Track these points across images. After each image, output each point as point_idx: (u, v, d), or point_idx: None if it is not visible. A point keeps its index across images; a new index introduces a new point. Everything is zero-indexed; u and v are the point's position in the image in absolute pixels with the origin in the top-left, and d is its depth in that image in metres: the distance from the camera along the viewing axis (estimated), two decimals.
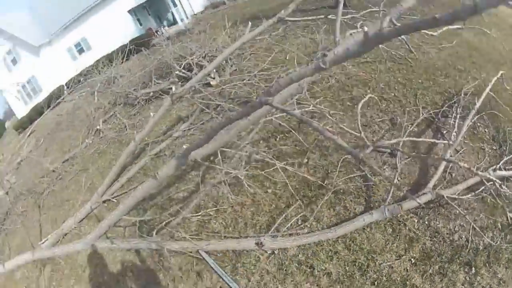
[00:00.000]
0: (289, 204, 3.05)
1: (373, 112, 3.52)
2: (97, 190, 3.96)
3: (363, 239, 2.73)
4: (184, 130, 4.30)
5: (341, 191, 3.00)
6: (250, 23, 3.96)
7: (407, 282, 2.44)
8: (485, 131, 3.22)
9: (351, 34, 2.75)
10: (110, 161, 4.89)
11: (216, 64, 3.72)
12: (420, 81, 3.73)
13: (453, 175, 2.99)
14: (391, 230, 2.76)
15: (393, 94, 3.79)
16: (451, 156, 2.90)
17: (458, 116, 3.17)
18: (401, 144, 3.06)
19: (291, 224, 2.88)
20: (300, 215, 2.92)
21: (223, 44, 5.21)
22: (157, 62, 5.78)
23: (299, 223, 2.90)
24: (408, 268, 2.53)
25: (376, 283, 2.47)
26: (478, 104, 2.99)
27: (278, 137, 3.66)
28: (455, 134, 3.03)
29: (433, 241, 2.66)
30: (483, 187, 2.77)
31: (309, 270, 2.63)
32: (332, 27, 5.12)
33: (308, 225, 2.88)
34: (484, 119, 3.26)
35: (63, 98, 8.94)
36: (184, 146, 2.52)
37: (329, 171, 3.15)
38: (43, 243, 3.91)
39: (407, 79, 3.89)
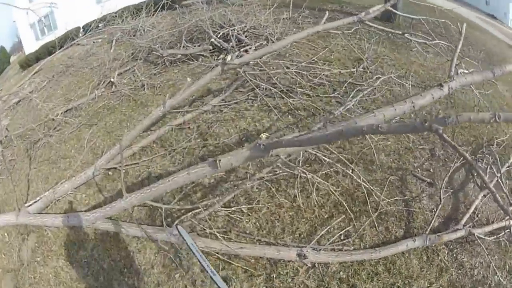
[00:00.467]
0: (331, 215, 3.29)
1: (415, 137, 4.01)
2: (105, 155, 3.95)
3: (402, 263, 3.17)
4: (214, 106, 4.36)
5: (385, 211, 3.36)
6: (327, 12, 4.12)
7: None
8: (507, 182, 4.03)
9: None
10: (120, 121, 4.87)
11: (281, 45, 3.81)
12: None
13: (479, 215, 3.65)
14: (425, 257, 3.28)
15: None
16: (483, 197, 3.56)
17: (490, 162, 3.91)
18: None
19: (334, 238, 3.10)
20: (344, 230, 3.17)
21: (266, 23, 5.52)
22: (190, 24, 5.95)
23: (342, 238, 3.15)
24: None
25: None
26: None
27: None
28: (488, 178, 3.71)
29: (458, 273, 3.26)
30: (503, 232, 3.48)
31: None
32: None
33: (351, 242, 3.15)
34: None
35: (77, 41, 8.75)
36: (264, 137, 2.60)
37: (372, 189, 3.47)
38: (30, 205, 3.79)
39: (445, 113, 4.54)
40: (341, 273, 3.00)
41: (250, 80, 4.18)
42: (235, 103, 4.45)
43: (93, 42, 8.32)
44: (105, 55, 6.75)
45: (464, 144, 4.19)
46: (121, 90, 5.40)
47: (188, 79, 4.14)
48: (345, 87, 4.68)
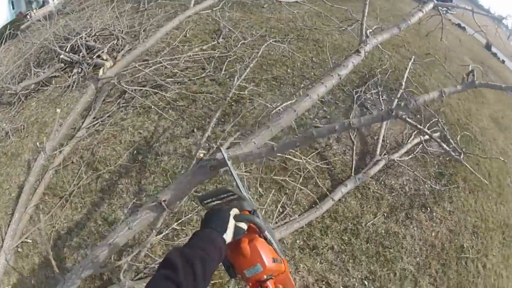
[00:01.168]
0: (260, 193, 3.74)
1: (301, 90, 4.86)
2: (7, 235, 3.86)
3: (344, 209, 3.95)
4: (88, 128, 4.48)
5: (306, 170, 4.05)
6: None
7: (389, 231, 3.97)
8: (400, 103, 5.32)
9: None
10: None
11: (155, 41, 4.07)
12: (333, 60, 5.49)
13: (388, 141, 4.75)
14: (360, 195, 4.16)
15: (312, 73, 5.38)
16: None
17: (380, 92, 5.09)
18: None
19: (275, 215, 3.60)
20: (280, 203, 3.69)
21: (115, 20, 5.98)
22: (36, 47, 6.22)
23: (281, 211, 3.67)
24: (384, 221, 3.99)
25: (369, 240, 3.85)
26: (404, 84, 4.98)
27: None
28: (384, 108, 4.85)
29: (393, 196, 4.30)
30: (418, 148, 4.70)
31: (313, 251, 3.55)
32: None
33: (291, 210, 3.70)
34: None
35: None
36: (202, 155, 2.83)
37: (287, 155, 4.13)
38: None
39: (320, 59, 5.63)
40: (297, 241, 3.59)
41: (123, 87, 4.39)
42: (108, 117, 4.58)
43: None
44: None
45: (348, 82, 5.31)
46: None
47: (58, 110, 4.30)
48: (213, 62, 5.30)
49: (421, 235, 4.09)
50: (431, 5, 4.49)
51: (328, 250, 3.63)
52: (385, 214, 4.11)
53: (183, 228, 3.60)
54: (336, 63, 4.28)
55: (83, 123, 4.71)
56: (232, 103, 4.70)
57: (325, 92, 3.12)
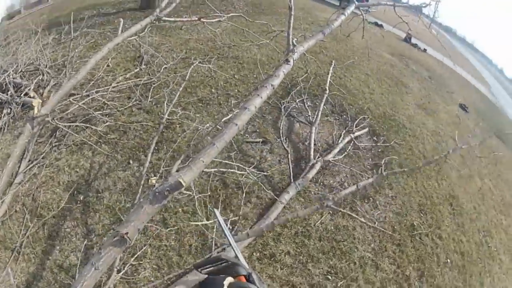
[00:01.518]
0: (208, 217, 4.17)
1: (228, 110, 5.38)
2: None
3: (291, 216, 4.43)
4: (25, 172, 4.54)
5: (247, 185, 4.51)
6: (122, 20, 4.80)
7: (339, 226, 4.50)
8: (325, 107, 6.08)
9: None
10: None
11: (86, 71, 4.32)
12: (254, 75, 6.15)
13: (319, 144, 5.46)
14: (303, 199, 4.68)
15: (236, 90, 5.96)
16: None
17: (305, 100, 5.83)
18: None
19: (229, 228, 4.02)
20: (229, 221, 4.11)
21: (39, 53, 6.05)
22: None
23: (231, 228, 4.09)
24: (331, 218, 4.57)
25: (321, 238, 4.31)
26: (327, 88, 5.72)
27: None
28: (310, 115, 5.59)
29: (333, 195, 4.80)
30: (350, 146, 5.41)
31: (271, 259, 3.95)
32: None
33: (241, 226, 4.16)
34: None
35: None
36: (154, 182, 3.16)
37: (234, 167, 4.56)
38: None
39: (242, 75, 6.24)
40: (254, 253, 3.96)
41: (56, 124, 4.58)
42: (42, 158, 4.66)
43: None
44: None
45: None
46: None
47: None
48: (138, 90, 5.59)
49: (370, 223, 4.60)
50: (352, 7, 5.08)
51: (285, 256, 3.98)
52: (331, 212, 4.57)
53: (140, 262, 3.72)
54: (268, 75, 4.76)
55: (19, 167, 4.65)
56: (163, 130, 4.90)
57: (261, 103, 3.42)
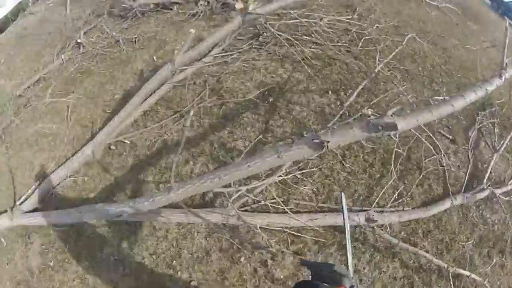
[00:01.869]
0: (382, 174, 4.16)
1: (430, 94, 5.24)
2: (105, 127, 4.47)
3: (446, 220, 4.31)
4: (216, 57, 4.93)
5: (424, 168, 4.44)
6: None
7: (472, 261, 4.27)
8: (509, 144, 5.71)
9: None
10: (102, 84, 5.40)
11: None
12: (459, 75, 5.86)
13: (493, 174, 5.15)
14: (461, 214, 4.50)
15: (440, 80, 5.78)
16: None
17: (496, 124, 5.51)
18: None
19: (392, 199, 4.01)
20: (398, 190, 4.09)
21: None
22: None
23: (396, 198, 4.07)
24: (472, 249, 4.36)
25: (455, 260, 4.18)
26: None
27: None
28: (496, 141, 5.29)
29: (484, 229, 4.62)
30: None
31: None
32: None
33: (404, 201, 4.11)
34: None
35: (29, 11, 9.34)
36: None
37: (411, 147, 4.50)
38: (22, 202, 4.15)
39: (447, 68, 6.04)
40: (402, 233, 3.93)
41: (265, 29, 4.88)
42: (238, 53, 4.93)
43: (44, 9, 8.96)
44: (63, 17, 7.49)
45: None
46: (92, 50, 6.07)
47: (192, 30, 4.60)
48: (348, 35, 5.62)
49: (491, 277, 4.33)
50: None
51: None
52: (474, 243, 4.38)
53: (304, 178, 3.91)
54: (484, 79, 4.55)
55: (210, 50, 5.13)
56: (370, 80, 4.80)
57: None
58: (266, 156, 2.77)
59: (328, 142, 2.53)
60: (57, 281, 3.77)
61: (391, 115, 3.17)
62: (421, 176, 4.35)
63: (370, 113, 3.16)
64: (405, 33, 5.90)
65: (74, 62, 6.01)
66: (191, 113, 2.77)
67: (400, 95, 4.79)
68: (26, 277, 3.91)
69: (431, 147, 4.43)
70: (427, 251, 3.95)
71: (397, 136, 4.06)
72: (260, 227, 3.50)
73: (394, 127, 2.58)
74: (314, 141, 2.57)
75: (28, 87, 5.90)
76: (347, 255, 1.96)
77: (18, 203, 4.17)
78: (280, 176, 3.62)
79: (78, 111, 5.07)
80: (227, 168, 2.91)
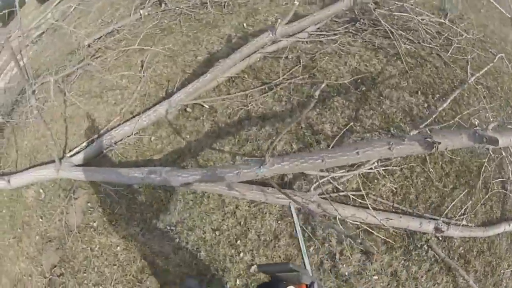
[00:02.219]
0: (454, 186, 4.24)
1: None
2: (186, 87, 4.37)
3: (497, 244, 4.42)
4: (311, 34, 4.90)
5: (491, 189, 4.50)
6: None
7: None
8: None
9: None
10: (184, 44, 5.31)
11: None
12: None
13: None
14: (509, 241, 4.60)
15: None
16: None
17: None
18: None
19: (460, 212, 4.11)
20: (466, 206, 4.16)
21: None
22: None
23: (463, 213, 4.15)
24: (509, 277, 4.45)
25: (495, 284, 4.25)
26: None
27: None
28: None
29: None
30: None
31: (465, 265, 4.05)
32: None
33: (468, 217, 4.20)
34: None
35: None
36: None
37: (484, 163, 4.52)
38: (73, 154, 4.06)
39: None
40: (460, 248, 4.05)
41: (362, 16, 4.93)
42: (334, 34, 4.91)
43: None
44: None
45: None
46: (174, 9, 6.05)
47: (296, 2, 4.60)
48: (440, 38, 5.54)
49: None
50: None
51: (472, 271, 4.04)
52: None
53: (385, 175, 3.95)
54: None
55: (307, 27, 5.08)
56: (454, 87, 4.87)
57: None
58: (376, 145, 2.84)
59: (439, 143, 2.61)
60: (98, 243, 3.67)
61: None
62: (487, 196, 4.41)
63: (477, 123, 3.18)
64: (490, 49, 5.84)
65: (153, 19, 5.95)
66: (323, 85, 2.77)
67: (480, 111, 4.77)
68: (61, 234, 3.79)
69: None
70: (476, 271, 4.10)
71: (490, 150, 4.09)
72: (338, 219, 3.56)
73: (496, 142, 2.67)
74: (427, 139, 2.64)
75: (99, 37, 5.83)
76: (303, 257, 2.02)
77: (68, 154, 4.04)
78: (370, 168, 3.65)
79: (154, 68, 5.00)
80: (333, 151, 2.94)
